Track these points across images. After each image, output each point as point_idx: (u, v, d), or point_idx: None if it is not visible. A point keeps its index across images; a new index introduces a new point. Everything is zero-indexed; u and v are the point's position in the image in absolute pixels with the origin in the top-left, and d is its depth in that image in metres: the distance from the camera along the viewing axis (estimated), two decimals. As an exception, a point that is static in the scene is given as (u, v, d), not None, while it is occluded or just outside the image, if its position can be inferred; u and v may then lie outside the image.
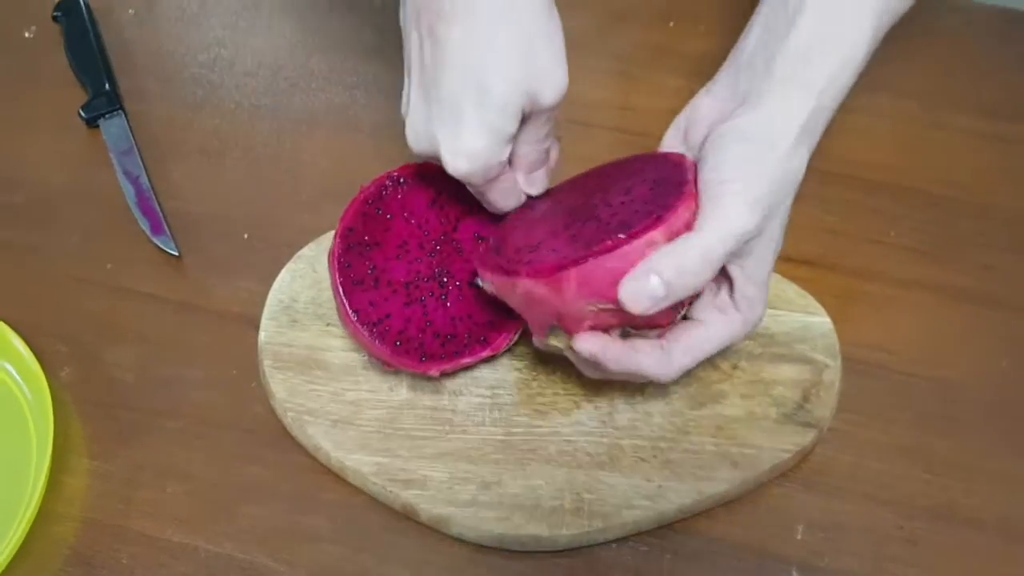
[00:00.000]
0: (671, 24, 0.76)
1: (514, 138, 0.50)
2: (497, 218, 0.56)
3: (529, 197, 0.55)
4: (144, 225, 0.64)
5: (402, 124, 0.52)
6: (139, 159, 0.67)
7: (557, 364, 0.57)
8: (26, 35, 0.75)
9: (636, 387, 0.57)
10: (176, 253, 0.64)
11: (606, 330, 0.49)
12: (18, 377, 0.58)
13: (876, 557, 0.54)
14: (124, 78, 0.72)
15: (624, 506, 0.53)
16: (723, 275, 0.50)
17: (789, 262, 0.62)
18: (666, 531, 0.55)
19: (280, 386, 0.57)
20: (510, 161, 0.52)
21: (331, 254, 0.55)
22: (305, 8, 0.76)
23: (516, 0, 0.48)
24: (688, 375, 0.52)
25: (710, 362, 0.55)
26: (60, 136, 0.70)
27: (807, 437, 0.56)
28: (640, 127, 0.69)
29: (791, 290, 0.60)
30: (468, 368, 0.56)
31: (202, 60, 0.73)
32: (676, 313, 0.50)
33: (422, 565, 0.54)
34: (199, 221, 0.65)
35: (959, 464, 0.57)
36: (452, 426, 0.56)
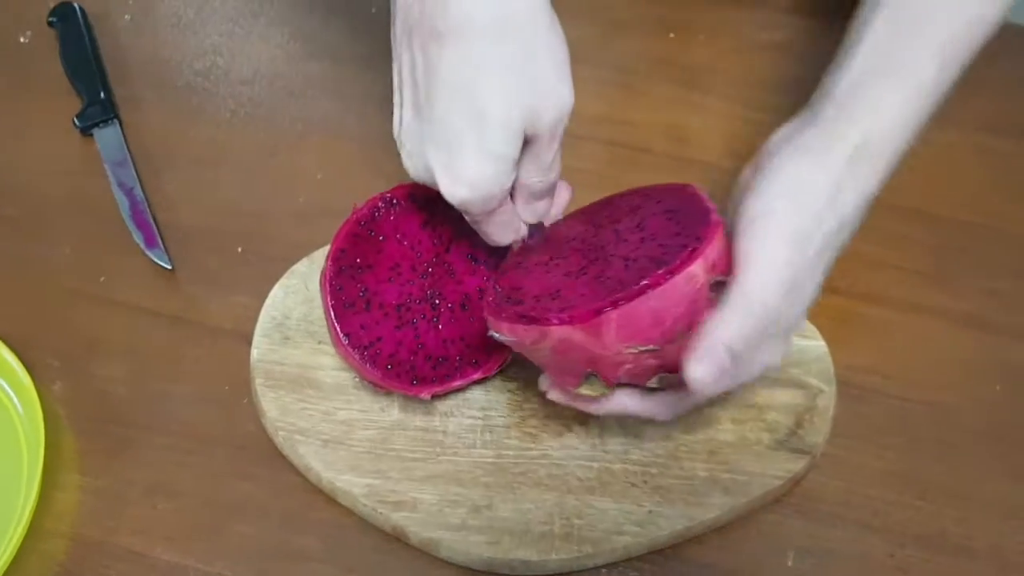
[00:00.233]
0: (671, 35, 0.75)
1: (517, 163, 0.48)
2: (493, 249, 0.55)
3: (527, 233, 0.53)
4: (138, 238, 0.64)
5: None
6: (133, 170, 0.67)
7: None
8: (21, 40, 0.74)
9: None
10: (169, 266, 0.63)
11: (643, 373, 0.48)
12: (10, 391, 0.58)
13: (866, 585, 0.54)
14: (119, 85, 0.71)
15: (614, 531, 0.53)
16: None
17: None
18: (656, 556, 0.54)
19: (272, 404, 0.57)
20: (512, 190, 0.50)
21: (323, 276, 0.54)
22: (301, 16, 0.76)
23: (514, 14, 0.46)
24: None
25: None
26: (54, 145, 0.69)
27: (799, 464, 0.55)
28: (638, 141, 0.68)
29: (786, 312, 0.60)
30: (460, 390, 0.56)
31: (198, 68, 0.73)
32: None
33: (411, 587, 0.54)
34: (192, 234, 0.65)
35: (952, 491, 0.57)
36: (443, 448, 0.56)
